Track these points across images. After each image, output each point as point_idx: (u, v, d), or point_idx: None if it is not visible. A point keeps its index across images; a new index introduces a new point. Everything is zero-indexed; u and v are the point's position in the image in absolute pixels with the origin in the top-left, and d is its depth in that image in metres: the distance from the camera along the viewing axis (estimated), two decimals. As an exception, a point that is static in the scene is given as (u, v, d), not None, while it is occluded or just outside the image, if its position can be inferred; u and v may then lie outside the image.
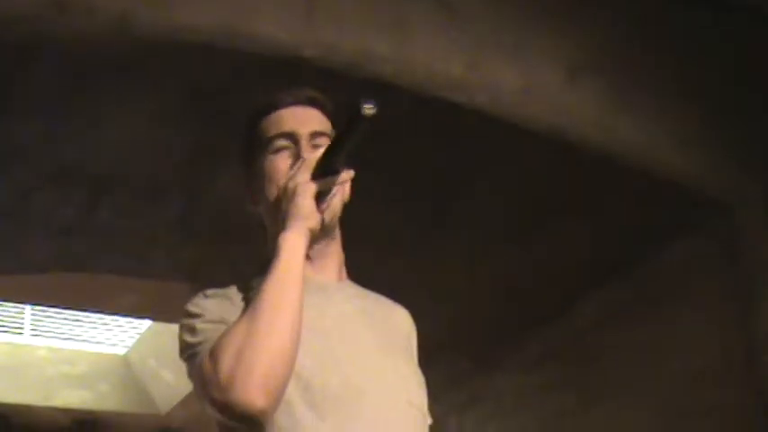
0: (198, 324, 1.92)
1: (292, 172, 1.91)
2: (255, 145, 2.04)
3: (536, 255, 4.88)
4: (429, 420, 2.08)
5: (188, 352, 1.92)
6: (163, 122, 3.96)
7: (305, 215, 1.86)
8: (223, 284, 2.07)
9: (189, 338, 1.92)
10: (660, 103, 4.22)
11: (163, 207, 4.60)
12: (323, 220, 1.92)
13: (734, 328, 4.32)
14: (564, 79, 4.02)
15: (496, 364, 5.72)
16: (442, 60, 3.78)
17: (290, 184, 1.88)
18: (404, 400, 1.95)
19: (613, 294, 4.97)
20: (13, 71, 3.54)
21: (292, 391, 1.80)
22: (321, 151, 1.90)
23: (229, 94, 3.76)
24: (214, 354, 1.78)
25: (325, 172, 1.87)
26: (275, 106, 2.04)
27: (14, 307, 8.97)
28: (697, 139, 4.29)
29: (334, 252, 2.05)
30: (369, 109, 1.77)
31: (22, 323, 9.23)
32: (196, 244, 4.96)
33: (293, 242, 1.85)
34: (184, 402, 8.70)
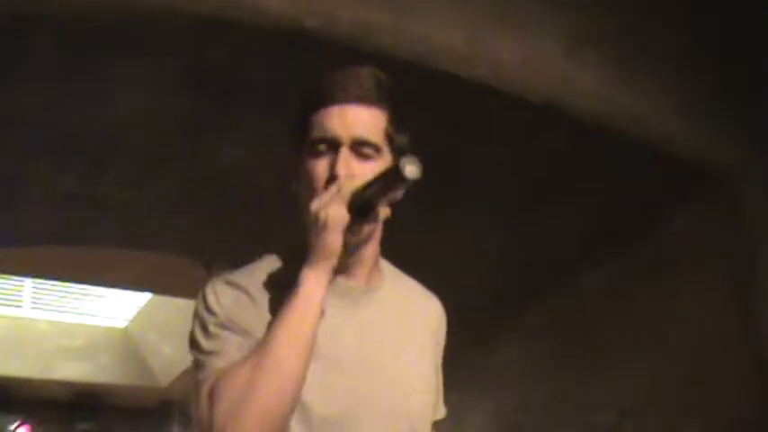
0: (211, 325, 1.89)
1: (326, 198, 1.83)
2: (303, 132, 1.95)
3: (537, 226, 4.88)
4: (443, 412, 2.11)
5: (195, 355, 1.90)
6: (163, 94, 3.95)
7: (330, 254, 1.81)
8: (241, 256, 2.02)
9: (200, 338, 1.89)
10: (661, 75, 4.21)
11: (163, 179, 4.59)
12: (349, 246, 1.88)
13: (735, 299, 4.33)
14: (565, 52, 4.01)
15: (497, 335, 5.73)
16: (443, 33, 3.77)
17: (322, 215, 1.80)
18: (405, 427, 1.95)
19: (614, 265, 4.98)
20: (13, 41, 3.52)
21: (294, 413, 1.80)
22: (358, 183, 1.84)
23: (230, 65, 3.75)
24: (213, 396, 1.77)
25: (359, 205, 1.84)
26: (326, 102, 1.93)
27: (14, 280, 9.00)
28: (698, 111, 4.28)
29: (367, 256, 1.99)
30: (411, 172, 1.76)
31: (22, 296, 9.27)
32: (197, 216, 4.96)
33: (314, 281, 1.81)
34: (184, 375, 8.73)
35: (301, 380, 1.78)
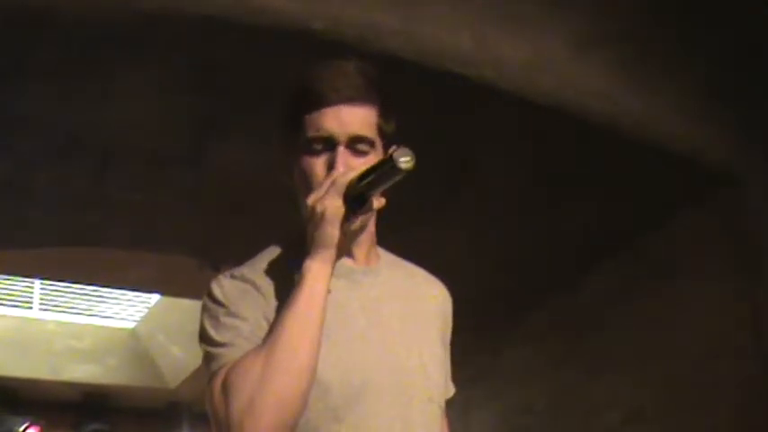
0: (222, 316, 1.90)
1: (321, 191, 1.87)
2: (295, 130, 1.98)
3: (541, 228, 4.88)
4: (452, 390, 2.12)
5: (206, 347, 1.91)
6: (171, 95, 3.96)
7: (330, 244, 1.85)
8: (250, 256, 2.03)
9: (210, 330, 1.91)
10: (666, 76, 4.21)
11: (170, 180, 4.61)
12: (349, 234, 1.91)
13: (740, 300, 4.33)
14: (571, 53, 4.02)
15: (503, 338, 5.74)
16: (450, 34, 3.78)
17: (319, 208, 1.85)
18: (425, 398, 1.97)
19: (619, 267, 4.98)
20: (20, 44, 3.54)
21: (313, 393, 1.82)
22: (352, 175, 1.87)
23: (237, 66, 3.76)
24: (226, 389, 1.79)
25: (354, 197, 1.86)
26: (318, 103, 1.96)
27: (23, 281, 9.01)
28: (703, 111, 4.28)
29: (363, 240, 2.01)
30: (405, 162, 1.79)
31: (32, 298, 9.28)
32: (204, 217, 4.97)
33: (317, 272, 1.84)
34: (193, 376, 8.74)
35: (313, 368, 1.80)
